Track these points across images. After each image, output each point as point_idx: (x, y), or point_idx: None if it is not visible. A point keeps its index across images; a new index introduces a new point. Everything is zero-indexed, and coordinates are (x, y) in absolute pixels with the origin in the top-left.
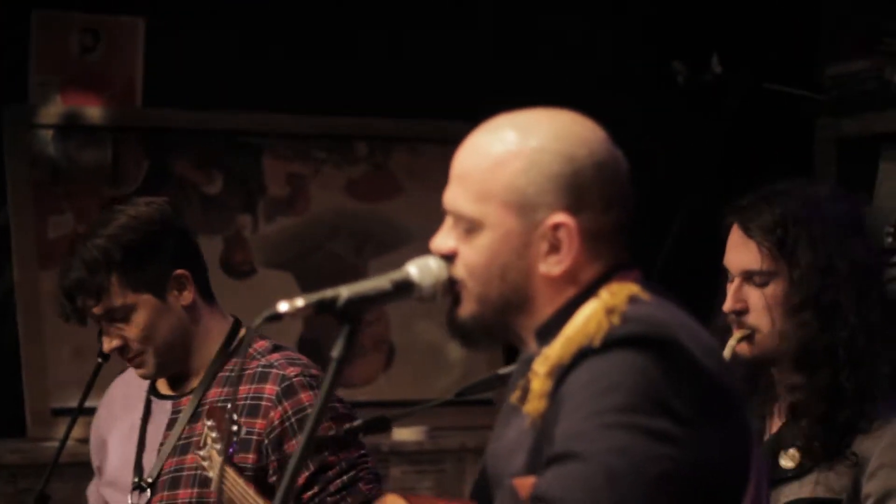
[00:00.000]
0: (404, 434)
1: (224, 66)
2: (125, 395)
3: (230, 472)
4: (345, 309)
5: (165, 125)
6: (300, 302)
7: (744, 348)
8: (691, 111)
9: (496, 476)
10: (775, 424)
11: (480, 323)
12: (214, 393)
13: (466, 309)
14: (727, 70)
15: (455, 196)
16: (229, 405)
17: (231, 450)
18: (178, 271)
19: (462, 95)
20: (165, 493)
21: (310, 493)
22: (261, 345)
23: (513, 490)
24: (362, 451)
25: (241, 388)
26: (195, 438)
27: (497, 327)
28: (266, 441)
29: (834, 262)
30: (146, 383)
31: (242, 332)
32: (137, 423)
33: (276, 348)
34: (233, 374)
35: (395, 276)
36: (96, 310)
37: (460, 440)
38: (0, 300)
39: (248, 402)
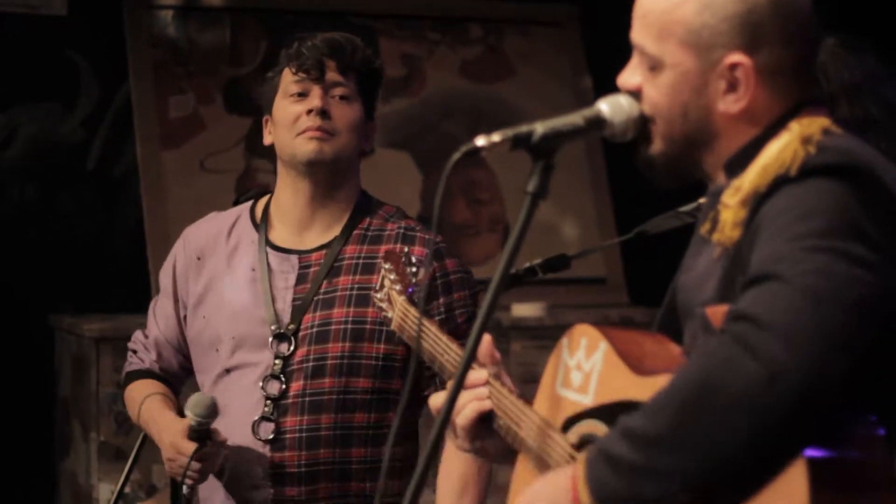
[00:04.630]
0: (524, 310)
1: None
2: (230, 243)
3: (412, 311)
4: (539, 144)
5: (282, 7)
6: (497, 137)
7: None
8: None
9: (686, 306)
10: None
11: (669, 159)
12: (352, 249)
13: (656, 147)
14: None
15: (639, 32)
16: (406, 248)
17: (410, 290)
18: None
19: None
20: (313, 346)
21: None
22: (389, 209)
23: (704, 318)
24: (476, 290)
25: (384, 246)
26: (339, 293)
27: (684, 163)
28: (416, 298)
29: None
30: (252, 235)
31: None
32: (251, 273)
33: (403, 213)
34: (369, 232)
35: (587, 112)
36: (333, 75)
37: (578, 316)
38: (124, 178)
39: None
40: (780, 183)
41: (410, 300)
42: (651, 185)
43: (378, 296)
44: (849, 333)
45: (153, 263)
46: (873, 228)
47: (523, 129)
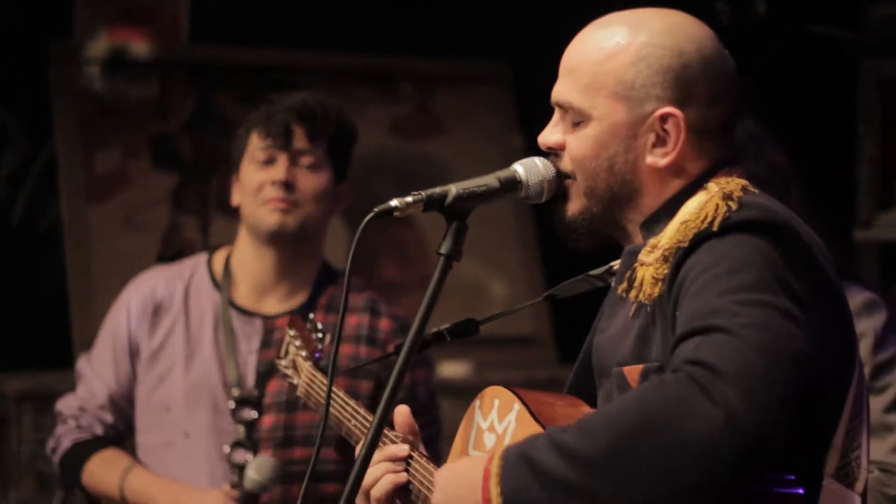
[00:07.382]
0: (451, 369)
1: (269, 3)
2: (189, 300)
3: (318, 376)
4: (452, 205)
5: (210, 62)
6: (410, 198)
7: None
8: (734, 52)
9: (601, 366)
10: None
11: (588, 217)
12: (319, 318)
13: (575, 205)
14: (771, 11)
15: (564, 88)
16: (311, 314)
17: (317, 355)
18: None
19: (505, 37)
20: (283, 415)
21: None
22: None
23: (621, 377)
24: (437, 409)
25: (353, 316)
26: None
27: (604, 221)
28: (383, 373)
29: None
30: (213, 293)
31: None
32: (212, 334)
33: (363, 284)
34: (335, 302)
35: (502, 174)
36: (301, 143)
37: (505, 375)
38: (48, 234)
39: (364, 332)
40: (702, 238)
41: (317, 366)
42: (570, 246)
43: (283, 363)
44: (790, 388)
45: (77, 320)
46: (797, 284)
47: (437, 190)
